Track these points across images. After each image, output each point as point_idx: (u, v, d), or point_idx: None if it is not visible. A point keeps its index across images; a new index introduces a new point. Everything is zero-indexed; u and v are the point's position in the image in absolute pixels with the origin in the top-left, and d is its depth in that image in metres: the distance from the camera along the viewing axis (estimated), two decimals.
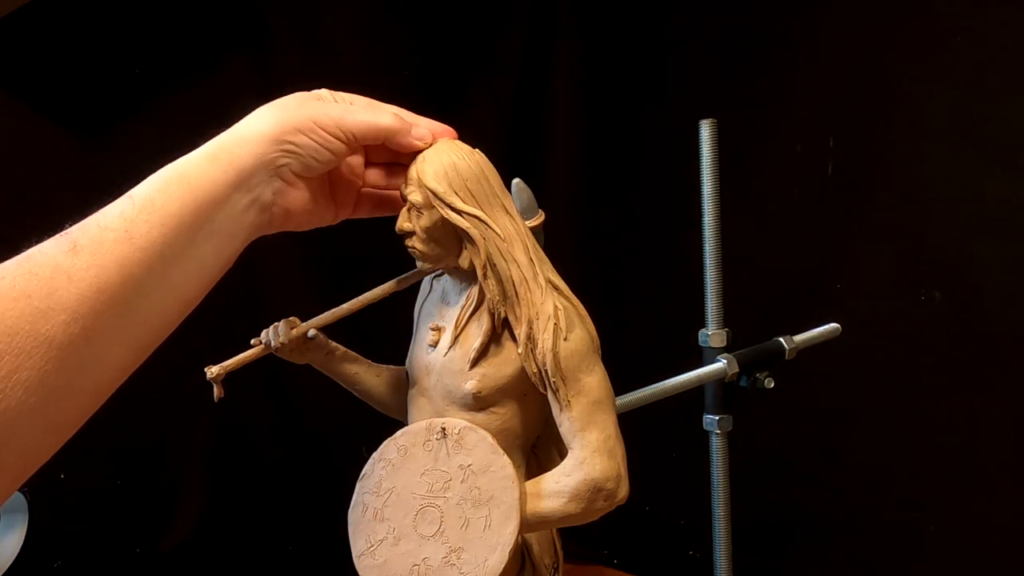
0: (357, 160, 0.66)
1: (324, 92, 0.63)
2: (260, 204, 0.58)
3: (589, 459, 0.59)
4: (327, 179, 0.64)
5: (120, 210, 0.53)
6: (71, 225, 0.52)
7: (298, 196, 0.60)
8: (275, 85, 1.53)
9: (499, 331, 0.61)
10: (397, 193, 0.66)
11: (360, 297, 0.71)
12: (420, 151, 0.62)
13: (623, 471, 0.60)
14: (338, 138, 0.59)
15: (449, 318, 0.64)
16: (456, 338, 0.63)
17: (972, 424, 1.27)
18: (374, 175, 0.67)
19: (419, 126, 0.63)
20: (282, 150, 0.57)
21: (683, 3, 1.50)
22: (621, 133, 1.58)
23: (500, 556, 0.57)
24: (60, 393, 0.48)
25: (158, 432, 1.35)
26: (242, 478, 1.48)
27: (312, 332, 0.70)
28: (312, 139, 0.58)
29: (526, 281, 0.60)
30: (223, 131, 0.59)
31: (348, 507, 0.63)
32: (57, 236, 0.51)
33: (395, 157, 0.66)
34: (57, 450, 0.50)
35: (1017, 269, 1.21)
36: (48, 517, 1.25)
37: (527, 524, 0.60)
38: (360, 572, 0.61)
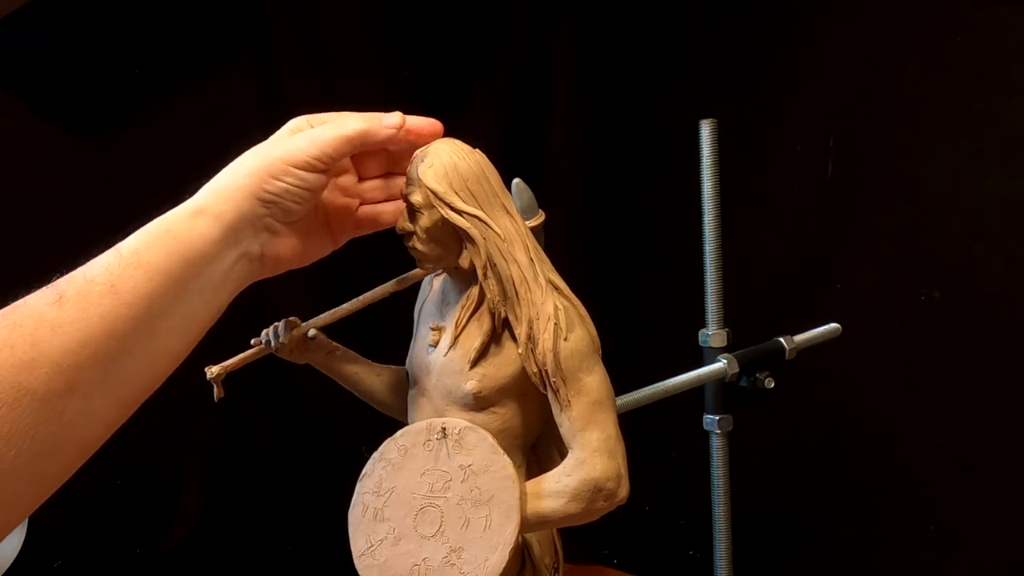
0: (349, 180, 0.65)
1: (302, 122, 0.61)
2: (249, 257, 0.57)
3: (589, 459, 0.59)
4: (321, 211, 0.63)
5: (107, 263, 0.52)
6: (59, 276, 0.51)
7: (287, 243, 0.60)
8: (275, 85, 1.54)
9: (499, 331, 0.61)
10: (392, 205, 0.65)
11: (360, 297, 0.71)
12: (407, 142, 0.62)
13: (623, 471, 0.60)
14: (312, 169, 0.57)
15: (449, 318, 0.64)
16: (456, 338, 0.63)
17: (972, 424, 1.27)
18: (372, 190, 0.66)
19: (389, 114, 0.61)
20: (262, 201, 0.57)
21: (683, 3, 1.50)
22: (621, 133, 1.59)
23: (500, 556, 0.57)
24: (43, 446, 0.47)
25: (158, 432, 1.35)
26: (242, 478, 1.48)
27: (312, 332, 0.70)
28: (286, 183, 0.57)
29: (526, 281, 0.60)
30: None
31: (348, 507, 0.63)
32: (44, 288, 0.50)
33: (390, 167, 0.66)
34: (43, 502, 0.50)
35: (1017, 269, 1.21)
36: (48, 517, 1.25)
37: (527, 524, 0.60)
38: (360, 572, 0.61)
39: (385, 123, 0.61)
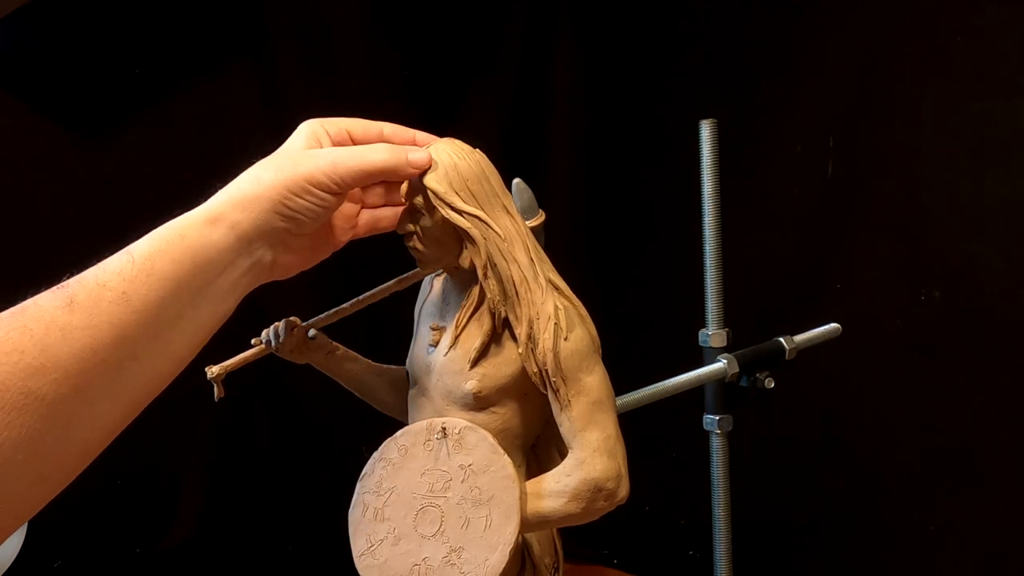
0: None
1: (317, 128, 0.61)
2: (260, 266, 0.57)
3: (589, 459, 0.59)
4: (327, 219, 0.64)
5: (119, 267, 0.51)
6: (69, 276, 0.51)
7: (297, 251, 0.60)
8: (275, 85, 1.54)
9: (499, 331, 0.61)
10: (392, 210, 0.65)
11: (360, 297, 0.71)
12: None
13: (623, 471, 0.60)
14: (332, 192, 0.57)
15: (449, 318, 0.64)
16: (456, 338, 0.63)
17: (972, 424, 1.27)
18: (373, 196, 0.66)
19: (415, 150, 0.60)
20: (280, 215, 0.56)
21: (683, 3, 1.50)
22: (621, 133, 1.59)
23: (500, 556, 0.57)
24: (48, 451, 0.48)
25: (158, 432, 1.35)
26: (242, 478, 1.48)
27: (312, 332, 0.70)
28: (308, 200, 0.56)
29: (526, 281, 0.60)
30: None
31: (348, 507, 0.63)
32: (54, 289, 0.50)
33: None
34: (44, 505, 0.50)
35: (1017, 269, 1.21)
36: (48, 517, 1.25)
37: (527, 524, 0.60)
38: (360, 572, 0.61)
39: (411, 160, 0.60)
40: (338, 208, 0.60)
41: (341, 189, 0.58)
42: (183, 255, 0.53)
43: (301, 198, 0.56)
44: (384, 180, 0.61)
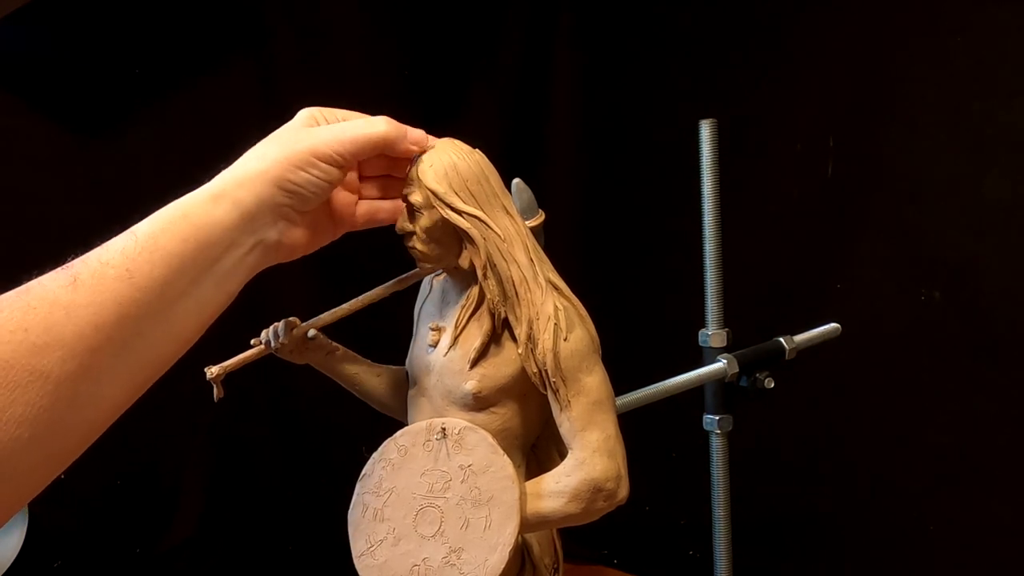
0: (352, 175, 0.65)
1: (316, 112, 0.61)
2: (265, 245, 0.57)
3: (589, 459, 0.59)
4: (327, 203, 0.63)
5: (123, 246, 0.52)
6: (74, 258, 0.51)
7: (300, 231, 0.60)
8: (275, 85, 1.54)
9: (499, 331, 0.61)
10: (391, 203, 0.66)
11: (360, 297, 0.71)
12: (418, 155, 0.62)
13: (623, 471, 0.60)
14: (335, 164, 0.58)
15: (449, 318, 0.64)
16: (456, 338, 0.63)
17: (972, 424, 1.27)
18: (369, 188, 0.66)
19: (415, 130, 0.62)
20: (283, 190, 0.57)
21: (683, 3, 1.50)
22: (621, 133, 1.59)
23: (500, 556, 0.57)
24: (54, 428, 0.48)
25: (158, 432, 1.35)
26: (242, 478, 1.48)
27: (312, 332, 0.70)
28: (311, 174, 0.57)
29: (526, 281, 0.60)
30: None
31: (348, 507, 0.63)
32: (58, 269, 0.50)
33: (389, 169, 0.66)
34: (49, 483, 0.50)
35: (1017, 269, 1.21)
36: (48, 517, 1.25)
37: (527, 524, 0.60)
38: (360, 572, 0.61)
39: (410, 138, 0.61)
40: (341, 182, 0.60)
41: (344, 161, 0.58)
42: (187, 233, 0.53)
43: (305, 171, 0.57)
44: (384, 153, 0.61)
